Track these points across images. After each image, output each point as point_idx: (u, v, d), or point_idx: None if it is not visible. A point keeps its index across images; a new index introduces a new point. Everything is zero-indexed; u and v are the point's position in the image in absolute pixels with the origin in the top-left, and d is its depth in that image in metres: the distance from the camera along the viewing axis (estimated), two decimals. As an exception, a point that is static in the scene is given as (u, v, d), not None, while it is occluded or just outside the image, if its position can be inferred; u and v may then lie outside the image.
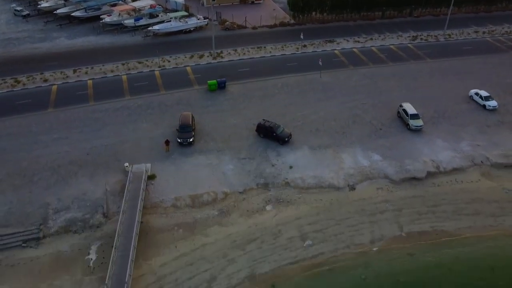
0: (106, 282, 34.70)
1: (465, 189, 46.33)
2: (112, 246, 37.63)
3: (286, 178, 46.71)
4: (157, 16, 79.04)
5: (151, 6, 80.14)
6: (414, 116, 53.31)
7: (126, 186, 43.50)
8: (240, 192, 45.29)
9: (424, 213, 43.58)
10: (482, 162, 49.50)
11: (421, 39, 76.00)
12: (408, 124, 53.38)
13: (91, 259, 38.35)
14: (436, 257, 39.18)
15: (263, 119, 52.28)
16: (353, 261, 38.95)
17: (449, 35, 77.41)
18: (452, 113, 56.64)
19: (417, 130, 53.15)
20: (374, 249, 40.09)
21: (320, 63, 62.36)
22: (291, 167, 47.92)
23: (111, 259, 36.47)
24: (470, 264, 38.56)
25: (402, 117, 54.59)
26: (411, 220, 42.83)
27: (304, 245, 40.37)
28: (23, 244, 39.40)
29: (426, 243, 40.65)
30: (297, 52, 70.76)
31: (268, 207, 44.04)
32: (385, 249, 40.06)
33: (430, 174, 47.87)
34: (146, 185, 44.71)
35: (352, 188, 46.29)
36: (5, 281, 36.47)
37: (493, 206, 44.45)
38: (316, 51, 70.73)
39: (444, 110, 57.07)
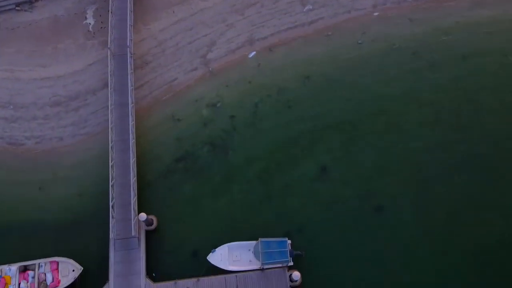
0: (108, 46, 35.64)
1: None
2: (108, 11, 36.96)
3: None
4: None
5: None
6: None
7: None
8: (237, -49, 41.32)
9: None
10: None
11: None
12: None
13: (90, 23, 38.31)
14: (435, 22, 38.82)
15: None
16: (352, 26, 38.84)
17: None
18: None
19: None
20: (375, 14, 39.38)
21: None
22: None
23: (110, 24, 36.39)
24: (469, 29, 38.43)
25: None
26: (420, -17, 40.45)
27: (304, 10, 39.52)
28: (16, 8, 38.63)
29: (429, 8, 39.56)
30: None
31: (268, -31, 40.99)
32: (386, 14, 39.34)
33: None
34: None
35: None
36: (11, 45, 37.50)
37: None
38: None
39: None
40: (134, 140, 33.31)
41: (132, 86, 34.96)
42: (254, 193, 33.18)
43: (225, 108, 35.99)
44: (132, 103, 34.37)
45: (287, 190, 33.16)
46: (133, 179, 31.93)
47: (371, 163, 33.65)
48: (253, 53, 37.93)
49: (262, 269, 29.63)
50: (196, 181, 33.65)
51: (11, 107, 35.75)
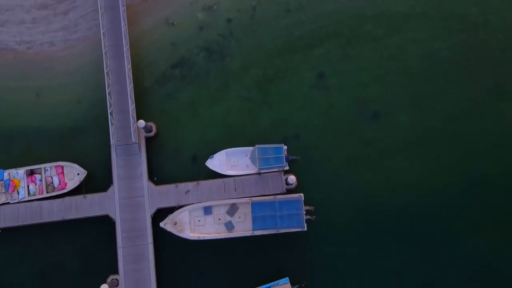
0: None
1: None
2: None
3: None
4: None
5: None
6: None
7: None
8: None
9: None
10: None
11: None
12: None
13: None
14: None
15: None
16: None
17: None
18: None
19: None
20: None
21: None
22: None
23: None
24: None
25: None
26: None
27: None
28: None
29: None
30: None
31: None
32: None
33: None
34: None
35: None
36: None
37: None
38: None
39: None
40: (128, 46, 32.38)
41: (121, -14, 32.93)
42: (252, 100, 33.26)
43: (221, 11, 34.35)
44: (124, 6, 32.66)
45: (284, 97, 33.20)
46: (129, 86, 31.72)
47: (370, 69, 33.16)
48: None
49: (259, 174, 30.93)
50: (193, 88, 33.50)
51: (-3, 9, 34.10)
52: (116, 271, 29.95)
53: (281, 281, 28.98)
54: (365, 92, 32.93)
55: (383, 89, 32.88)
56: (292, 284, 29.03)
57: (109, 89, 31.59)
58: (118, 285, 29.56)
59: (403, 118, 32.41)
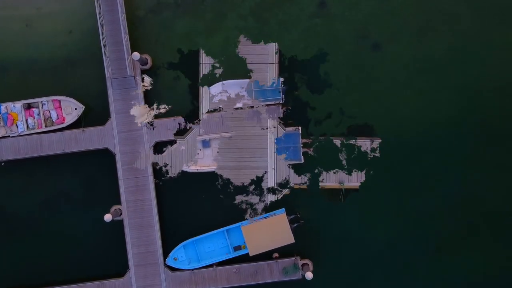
0: None
1: None
2: None
3: None
4: None
5: None
6: None
7: None
8: None
9: None
10: None
11: None
12: None
13: None
14: None
15: None
16: None
17: None
18: None
19: None
20: None
21: None
22: None
23: None
24: None
25: None
26: None
27: None
28: None
29: None
30: None
31: None
32: None
33: None
34: None
35: None
36: None
37: None
38: None
39: None
40: (118, -29, 30.45)
41: None
42: (249, 30, 31.99)
43: None
44: None
45: (283, 27, 31.92)
46: (122, 15, 30.39)
47: (373, -2, 31.63)
48: None
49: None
50: (189, 17, 32.11)
51: None
52: (118, 202, 31.13)
53: (277, 211, 30.20)
54: (367, 22, 31.60)
55: (386, 19, 31.53)
56: (288, 214, 30.26)
57: (100, 18, 30.30)
58: (121, 215, 30.87)
59: (404, 49, 31.46)
